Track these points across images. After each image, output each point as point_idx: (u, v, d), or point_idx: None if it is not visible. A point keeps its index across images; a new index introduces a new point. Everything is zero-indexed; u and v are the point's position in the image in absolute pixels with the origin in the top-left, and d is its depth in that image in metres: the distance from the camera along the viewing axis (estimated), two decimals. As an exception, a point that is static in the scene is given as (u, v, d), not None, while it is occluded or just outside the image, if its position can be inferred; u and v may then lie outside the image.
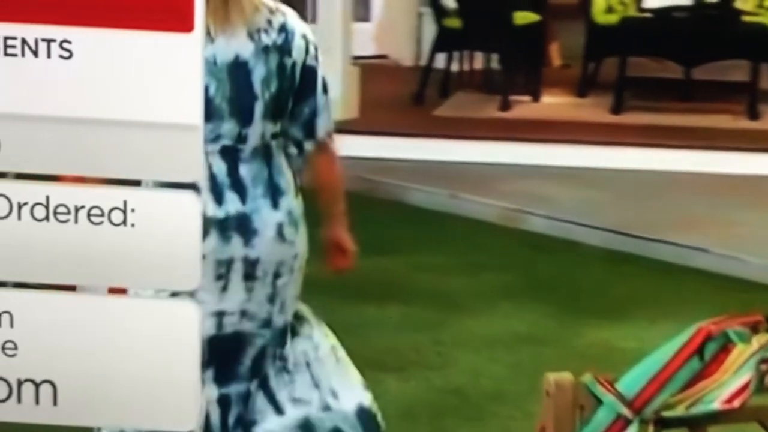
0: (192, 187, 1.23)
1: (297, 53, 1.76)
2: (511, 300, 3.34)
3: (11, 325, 1.20)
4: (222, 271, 1.74)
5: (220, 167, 1.75)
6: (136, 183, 1.25)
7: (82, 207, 1.19)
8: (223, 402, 1.81)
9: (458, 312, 3.24)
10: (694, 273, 3.60)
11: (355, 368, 1.92)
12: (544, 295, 3.39)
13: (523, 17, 5.46)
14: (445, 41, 5.51)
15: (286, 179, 1.80)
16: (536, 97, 5.59)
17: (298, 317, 1.88)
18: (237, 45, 1.72)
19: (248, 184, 1.76)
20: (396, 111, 5.34)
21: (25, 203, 1.18)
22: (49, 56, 1.15)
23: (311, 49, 1.78)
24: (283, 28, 1.75)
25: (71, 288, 1.22)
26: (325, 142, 1.84)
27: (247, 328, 1.78)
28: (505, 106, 5.36)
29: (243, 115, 1.74)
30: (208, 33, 1.69)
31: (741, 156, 4.65)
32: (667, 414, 1.51)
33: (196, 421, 1.24)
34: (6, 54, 1.15)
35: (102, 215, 1.19)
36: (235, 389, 1.81)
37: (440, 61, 5.58)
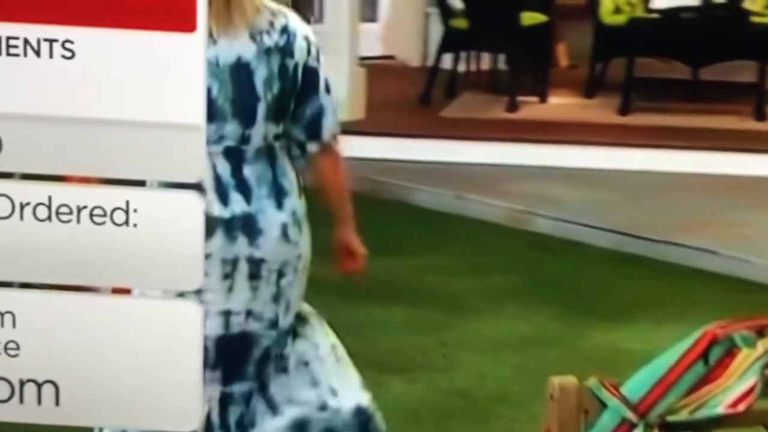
0: (194, 187, 1.23)
1: (299, 54, 1.77)
2: (517, 301, 3.33)
3: (13, 326, 1.20)
4: (228, 271, 1.75)
5: (225, 168, 1.76)
6: (140, 183, 1.25)
7: (85, 207, 1.19)
8: (225, 401, 1.81)
9: (464, 313, 3.23)
10: (701, 275, 3.58)
11: (355, 368, 1.92)
12: (551, 296, 3.38)
13: (530, 18, 5.45)
14: (451, 42, 5.50)
15: (290, 180, 1.81)
16: (543, 98, 5.58)
17: (300, 317, 1.88)
18: (239, 47, 1.74)
19: (253, 184, 1.77)
20: (402, 112, 5.34)
21: (28, 203, 1.18)
22: (51, 56, 1.15)
23: (313, 51, 1.79)
24: (284, 30, 1.77)
25: (73, 288, 1.22)
26: (329, 144, 1.84)
27: (253, 329, 1.79)
28: (512, 106, 5.35)
29: (246, 116, 1.75)
30: (210, 35, 1.70)
31: (748, 157, 4.63)
32: (671, 418, 1.51)
33: (199, 421, 1.24)
34: (8, 54, 1.15)
35: (104, 215, 1.19)
36: (238, 389, 1.81)
37: (447, 61, 5.57)
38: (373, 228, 3.85)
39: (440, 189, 4.33)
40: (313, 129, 1.82)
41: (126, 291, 1.27)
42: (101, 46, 1.16)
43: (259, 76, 1.74)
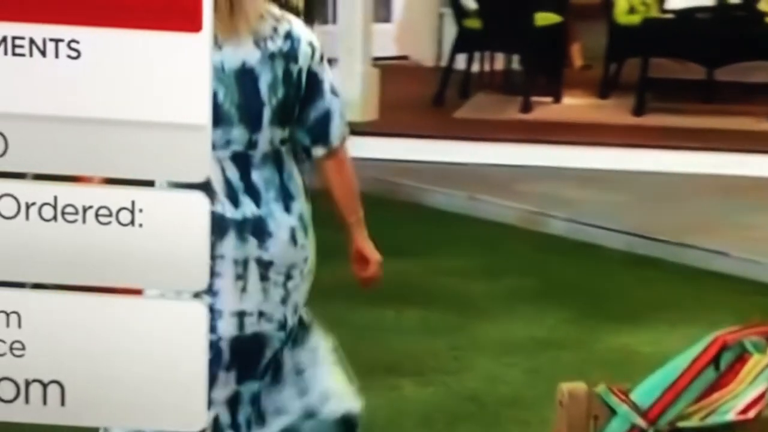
0: (200, 186, 1.23)
1: (303, 60, 1.79)
2: (530, 304, 3.32)
3: (19, 326, 1.20)
4: (240, 272, 1.77)
5: (233, 173, 1.79)
6: (146, 183, 1.25)
7: (90, 207, 1.19)
8: (236, 401, 1.82)
9: (476, 316, 3.22)
10: (715, 277, 3.56)
11: (348, 374, 1.92)
12: (564, 299, 3.36)
13: (545, 18, 5.43)
14: (465, 42, 5.49)
15: (297, 184, 1.83)
16: (557, 99, 5.56)
17: (301, 322, 1.89)
18: (244, 52, 1.76)
19: (261, 188, 1.79)
20: (416, 112, 5.32)
21: (33, 203, 1.18)
22: (57, 56, 1.16)
23: (316, 56, 1.81)
24: (288, 36, 1.78)
25: (79, 288, 1.22)
26: (336, 148, 1.85)
27: (265, 329, 1.80)
28: (526, 107, 5.33)
29: (252, 121, 1.77)
30: (215, 41, 1.71)
31: (763, 158, 4.58)
32: (681, 424, 1.49)
33: (204, 422, 1.24)
34: (14, 54, 1.15)
35: (110, 215, 1.19)
36: (247, 389, 1.82)
37: (461, 62, 5.55)
38: (386, 229, 3.84)
39: (453, 190, 4.32)
40: (319, 133, 1.83)
41: (138, 291, 1.27)
42: (107, 46, 1.16)
43: (264, 81, 1.76)
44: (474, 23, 5.42)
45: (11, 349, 1.20)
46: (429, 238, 3.91)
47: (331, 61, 5.69)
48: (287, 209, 1.79)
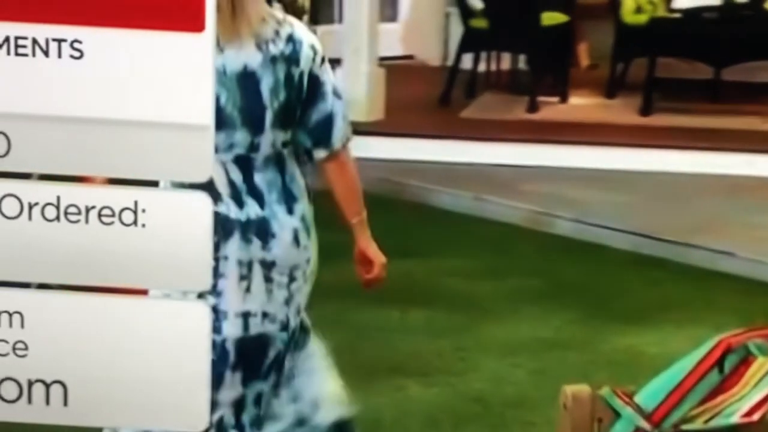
0: (203, 187, 1.22)
1: (304, 63, 1.80)
2: (536, 305, 3.31)
3: (22, 326, 1.20)
4: (244, 273, 1.78)
5: (236, 175, 1.79)
6: (149, 183, 1.25)
7: (93, 207, 1.19)
8: (240, 402, 1.82)
9: (482, 317, 3.21)
10: (722, 277, 3.55)
11: (341, 378, 1.92)
12: (570, 299, 3.36)
13: (551, 18, 5.41)
14: (471, 42, 5.48)
15: (299, 186, 1.84)
16: (564, 98, 5.54)
17: (302, 325, 1.89)
18: (245, 56, 1.76)
19: (264, 190, 1.80)
20: (422, 112, 5.31)
21: (36, 203, 1.18)
22: (59, 56, 1.15)
23: (318, 59, 1.82)
24: (290, 39, 1.79)
25: (81, 288, 1.21)
26: (338, 150, 1.85)
27: (269, 330, 1.81)
28: (533, 107, 5.32)
29: (254, 125, 1.78)
30: (217, 44, 1.71)
31: (770, 158, 4.56)
32: (686, 427, 1.49)
33: (207, 422, 1.23)
34: (17, 54, 1.15)
35: (113, 215, 1.19)
36: (252, 390, 1.82)
37: (467, 61, 5.54)
38: (392, 230, 3.84)
39: (459, 190, 4.31)
40: (320, 135, 1.84)
41: (142, 291, 1.27)
42: (109, 46, 1.16)
43: (265, 84, 1.77)
44: (480, 23, 5.41)
45: (14, 349, 1.20)
46: (434, 238, 3.90)
47: (336, 61, 5.67)
48: (290, 211, 1.80)
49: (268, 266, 1.79)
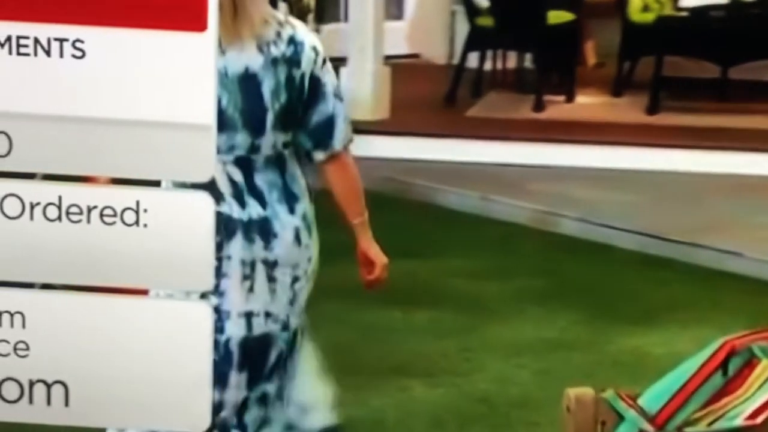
0: (205, 187, 1.22)
1: (306, 64, 1.80)
2: (542, 305, 3.30)
3: (23, 326, 1.20)
4: (247, 272, 1.78)
5: (237, 176, 1.80)
6: (151, 183, 1.24)
7: (95, 207, 1.19)
8: (244, 403, 1.82)
9: (487, 317, 3.20)
10: (729, 277, 3.53)
11: (329, 384, 1.93)
12: (576, 300, 3.34)
13: (558, 16, 5.39)
14: (477, 40, 5.46)
15: (300, 186, 1.85)
16: (570, 97, 5.52)
17: (301, 327, 1.88)
18: (247, 57, 1.77)
19: (264, 191, 1.81)
20: (428, 111, 5.30)
21: (38, 203, 1.18)
22: (61, 56, 1.15)
23: (319, 60, 1.82)
24: (292, 40, 1.79)
25: (83, 288, 1.21)
26: (339, 152, 1.86)
27: (272, 330, 1.81)
28: (539, 106, 5.30)
29: (255, 126, 1.78)
30: (219, 45, 1.71)
31: (777, 158, 4.53)
32: (689, 430, 1.48)
33: (209, 423, 1.23)
34: (18, 53, 1.15)
35: (114, 215, 1.19)
36: (256, 392, 1.83)
37: (473, 60, 5.53)
38: (397, 229, 3.83)
39: (465, 190, 4.30)
40: (320, 137, 1.84)
41: (143, 291, 1.27)
42: (112, 45, 1.16)
43: (267, 86, 1.77)
44: (486, 21, 5.39)
45: (15, 349, 1.20)
46: (440, 238, 3.89)
47: (342, 60, 5.67)
48: (291, 210, 1.81)
49: (270, 266, 1.79)
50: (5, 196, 1.17)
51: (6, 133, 1.17)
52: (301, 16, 4.85)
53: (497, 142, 4.77)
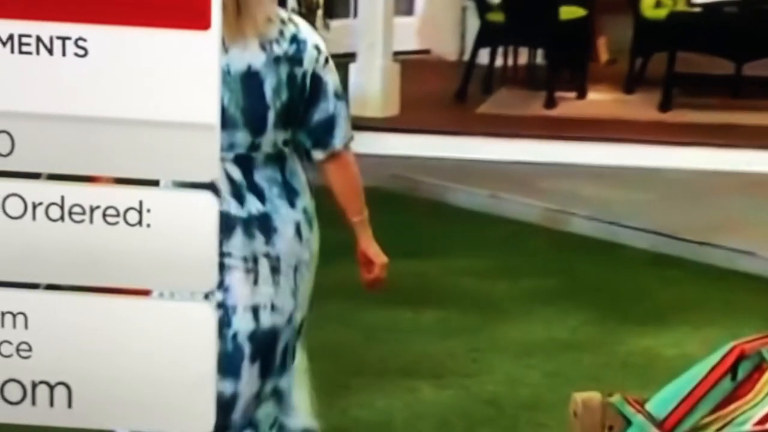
0: (209, 187, 1.21)
1: (308, 63, 1.80)
2: (552, 305, 3.27)
3: (26, 327, 1.20)
4: (250, 266, 1.79)
5: (236, 173, 1.81)
6: (154, 183, 1.23)
7: (98, 207, 1.18)
8: (257, 396, 1.83)
9: (496, 317, 3.18)
10: (741, 277, 3.50)
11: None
12: (586, 300, 3.32)
13: (569, 11, 5.36)
14: (488, 36, 5.43)
15: (300, 181, 1.86)
16: (582, 94, 5.49)
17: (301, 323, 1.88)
18: (249, 56, 1.77)
19: (264, 187, 1.82)
20: (438, 108, 5.28)
21: (40, 203, 1.18)
22: (64, 54, 1.15)
23: (321, 59, 1.82)
24: (294, 39, 1.80)
25: (86, 289, 1.20)
26: (339, 151, 1.86)
27: (277, 323, 1.82)
28: (550, 103, 5.27)
29: (255, 125, 1.79)
30: (222, 43, 1.70)
31: (793, 155, 4.49)
32: (698, 436, 1.45)
33: (212, 424, 1.22)
34: (21, 52, 1.14)
35: (117, 215, 1.18)
36: (269, 385, 1.84)
37: (484, 56, 5.50)
38: (405, 228, 3.81)
39: (475, 188, 4.28)
40: (320, 136, 1.85)
41: (145, 292, 1.26)
42: (114, 44, 1.15)
43: (269, 84, 1.78)
44: (497, 17, 5.37)
45: (18, 350, 1.19)
46: (448, 236, 3.86)
47: (351, 56, 5.63)
48: (292, 205, 1.82)
49: (273, 259, 1.80)
50: (7, 196, 1.17)
51: (8, 133, 1.16)
52: (310, 11, 4.84)
53: (508, 140, 4.74)
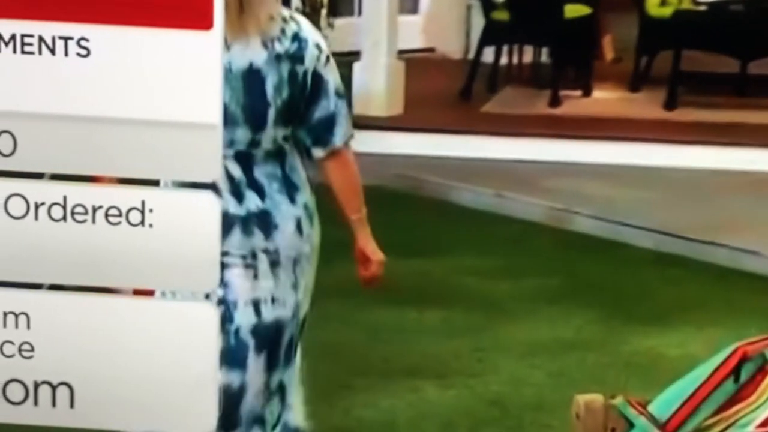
0: (210, 187, 1.21)
1: (309, 61, 1.81)
2: (556, 305, 3.27)
3: (28, 327, 1.20)
4: (249, 261, 1.80)
5: (236, 170, 1.81)
6: (156, 183, 1.23)
7: (100, 207, 1.18)
8: (266, 386, 1.83)
9: (500, 317, 3.17)
10: (746, 276, 3.49)
11: (306, 391, 1.93)
12: (590, 299, 3.31)
13: (574, 10, 5.35)
14: (493, 34, 5.42)
15: (300, 176, 1.86)
16: (587, 92, 5.48)
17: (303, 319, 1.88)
18: (251, 53, 1.77)
19: (264, 183, 1.82)
20: (442, 107, 5.27)
21: (43, 203, 1.18)
22: (66, 54, 1.15)
23: (322, 58, 1.83)
24: (296, 37, 1.80)
25: (88, 289, 1.20)
26: (340, 149, 1.87)
27: (280, 316, 1.82)
28: (555, 101, 5.26)
29: (256, 122, 1.80)
30: (224, 41, 1.71)
31: (796, 154, 4.47)
32: (700, 438, 1.44)
33: (214, 424, 1.22)
34: (23, 52, 1.14)
35: (120, 215, 1.18)
36: (275, 378, 1.84)
37: (488, 54, 5.49)
38: (409, 227, 3.80)
39: (479, 187, 4.27)
40: (320, 134, 1.85)
41: (149, 292, 1.26)
42: (117, 44, 1.15)
43: (270, 82, 1.78)
44: (502, 15, 5.36)
45: (20, 350, 1.19)
46: (453, 235, 3.85)
47: (355, 54, 5.60)
48: (292, 200, 1.82)
49: (272, 253, 1.80)
50: (10, 196, 1.17)
51: (10, 133, 1.16)
52: (314, 10, 4.83)
53: (512, 138, 4.73)
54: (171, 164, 1.18)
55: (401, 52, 5.17)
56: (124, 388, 1.21)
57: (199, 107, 1.16)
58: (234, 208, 1.78)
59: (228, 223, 1.76)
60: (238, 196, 1.79)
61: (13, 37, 1.13)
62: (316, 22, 4.51)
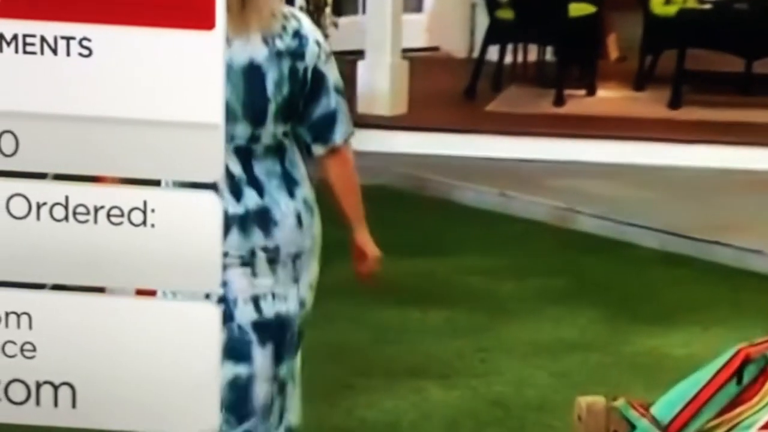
0: (212, 186, 1.21)
1: (309, 58, 1.82)
2: (560, 304, 3.26)
3: (30, 327, 1.20)
4: (247, 260, 1.80)
5: (235, 166, 1.81)
6: (156, 183, 1.23)
7: (102, 207, 1.19)
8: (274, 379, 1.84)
9: (504, 317, 3.17)
10: (751, 276, 3.48)
11: (300, 389, 1.92)
12: (594, 299, 3.31)
13: (579, 8, 5.34)
14: (497, 33, 5.41)
15: (300, 171, 1.86)
16: (591, 91, 5.47)
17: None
18: (252, 49, 1.78)
19: (263, 179, 1.82)
20: (446, 106, 5.26)
21: (44, 203, 1.18)
22: (68, 54, 1.15)
23: (323, 55, 1.84)
24: (296, 34, 1.81)
25: (90, 289, 1.20)
26: (339, 147, 1.87)
27: (281, 310, 1.82)
28: (559, 100, 5.25)
29: (256, 117, 1.80)
30: (225, 37, 1.71)
31: (801, 154, 4.45)
32: (702, 440, 1.43)
33: (216, 424, 1.22)
34: (25, 52, 1.14)
35: (122, 215, 1.19)
36: (280, 370, 1.84)
37: (493, 53, 5.48)
38: (413, 226, 3.80)
39: (483, 186, 4.27)
40: (320, 131, 1.86)
41: (151, 292, 1.26)
42: (119, 43, 1.15)
43: (270, 78, 1.79)
44: (507, 14, 5.35)
45: (22, 350, 1.20)
46: (456, 235, 3.85)
47: (359, 53, 5.59)
48: (291, 195, 1.82)
49: (270, 251, 1.80)
50: (11, 196, 1.17)
51: (12, 133, 1.16)
52: (319, 8, 4.83)
53: (516, 137, 4.73)
54: (173, 164, 1.19)
55: (405, 50, 5.16)
56: (125, 388, 1.21)
57: (200, 107, 1.17)
58: (232, 207, 1.78)
59: (226, 223, 1.76)
60: (237, 194, 1.79)
61: (15, 37, 1.14)
62: (320, 21, 4.52)
